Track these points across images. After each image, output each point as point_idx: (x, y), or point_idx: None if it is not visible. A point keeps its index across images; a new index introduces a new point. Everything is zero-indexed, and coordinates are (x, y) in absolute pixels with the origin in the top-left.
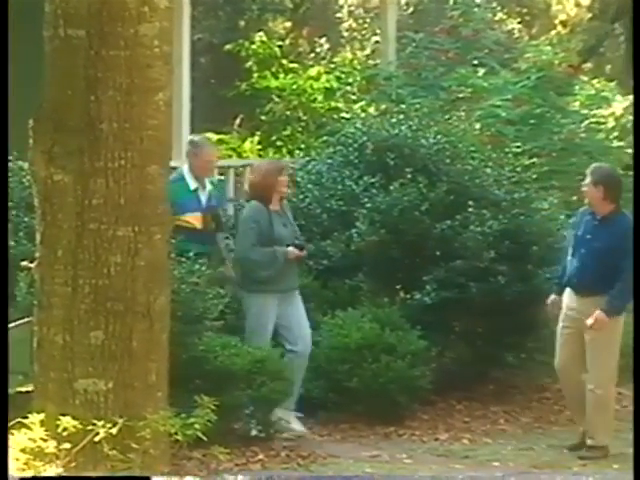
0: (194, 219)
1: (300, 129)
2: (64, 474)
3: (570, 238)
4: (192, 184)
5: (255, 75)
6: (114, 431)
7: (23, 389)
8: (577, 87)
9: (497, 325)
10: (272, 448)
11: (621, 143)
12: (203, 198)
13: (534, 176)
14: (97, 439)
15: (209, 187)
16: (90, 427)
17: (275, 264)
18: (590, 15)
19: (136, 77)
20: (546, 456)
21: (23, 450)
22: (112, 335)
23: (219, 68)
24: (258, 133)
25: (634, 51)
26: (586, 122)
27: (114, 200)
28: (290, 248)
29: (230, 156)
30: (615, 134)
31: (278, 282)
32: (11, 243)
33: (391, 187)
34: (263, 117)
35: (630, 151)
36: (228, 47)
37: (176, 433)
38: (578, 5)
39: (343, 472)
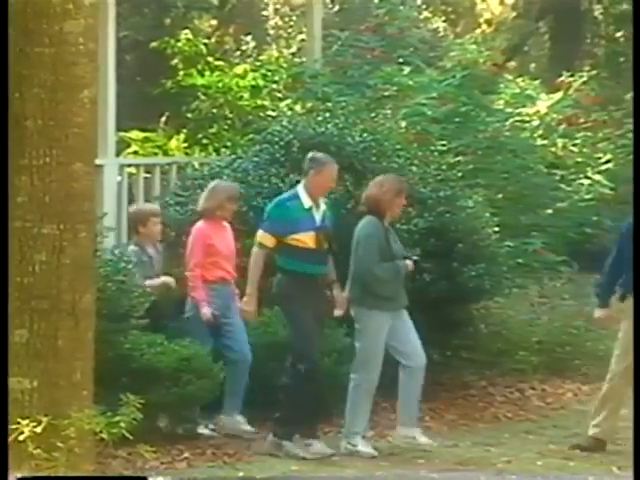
0: (308, 238)
1: (226, 127)
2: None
3: (625, 246)
4: (307, 202)
5: (181, 73)
6: (39, 430)
7: None
8: (502, 85)
9: (422, 322)
10: (198, 446)
11: (545, 141)
12: (317, 217)
13: (459, 174)
14: (22, 438)
15: (323, 206)
16: (15, 426)
17: (397, 279)
18: (514, 14)
19: (61, 74)
20: (470, 453)
21: None
22: (37, 333)
23: (145, 66)
24: (184, 131)
25: (634, 51)
26: (511, 120)
27: (39, 198)
28: (408, 262)
29: (156, 154)
30: (539, 132)
31: (396, 298)
32: None
33: None
34: (189, 115)
35: (554, 149)
36: (154, 45)
37: (101, 431)
38: (502, 4)
39: (269, 470)
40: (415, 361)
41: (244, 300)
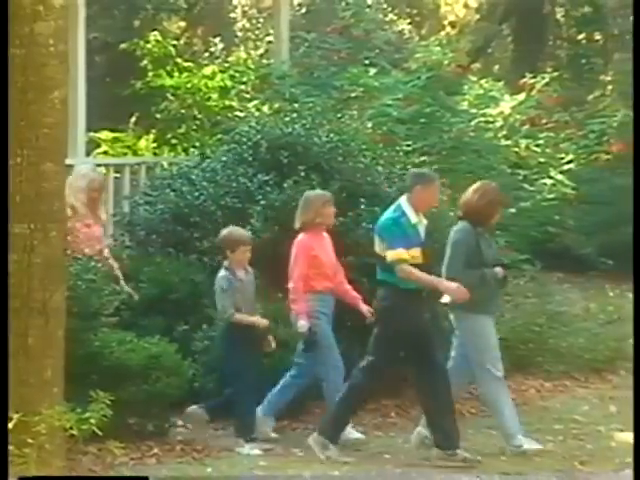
0: (417, 253)
1: (195, 127)
2: None
3: None
4: (413, 218)
5: (150, 74)
6: (10, 426)
7: None
8: (466, 87)
9: None
10: (167, 442)
11: (508, 142)
12: (422, 232)
13: None
14: None
15: (425, 221)
16: None
17: (484, 286)
18: (478, 16)
19: (31, 75)
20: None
21: None
22: (8, 331)
23: (114, 67)
24: (153, 131)
25: (634, 51)
26: (475, 121)
27: (10, 197)
28: (498, 269)
29: (125, 154)
30: (503, 133)
31: (491, 304)
32: None
33: (285, 185)
34: (158, 115)
35: (517, 150)
36: (123, 46)
37: (71, 428)
38: (466, 7)
39: (236, 465)
40: (501, 371)
41: (453, 287)
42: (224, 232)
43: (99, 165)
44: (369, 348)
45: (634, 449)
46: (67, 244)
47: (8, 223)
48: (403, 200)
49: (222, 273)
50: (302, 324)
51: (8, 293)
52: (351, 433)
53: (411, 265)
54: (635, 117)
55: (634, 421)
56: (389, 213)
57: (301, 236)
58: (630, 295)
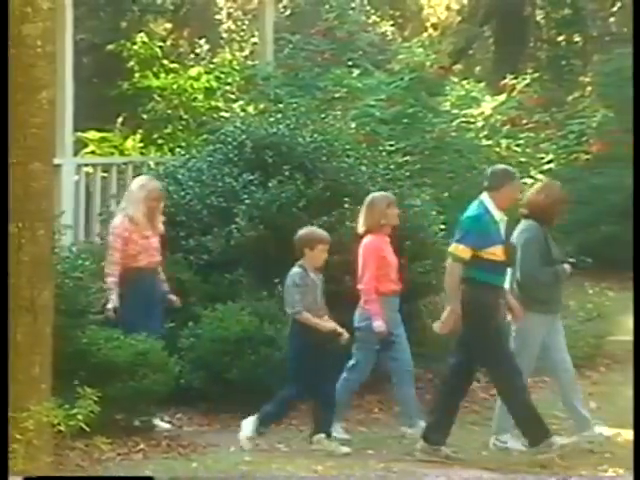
0: (499, 251)
1: (181, 127)
2: None
3: None
4: (497, 215)
5: (137, 75)
6: None
7: None
8: (448, 88)
9: None
10: (153, 438)
11: (490, 142)
12: (503, 229)
13: (407, 174)
14: None
15: (505, 218)
16: None
17: (557, 283)
18: (460, 18)
19: (20, 76)
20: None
21: None
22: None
23: (102, 68)
24: (140, 131)
25: (634, 51)
26: (456, 121)
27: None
28: (566, 266)
29: (112, 154)
30: (484, 133)
31: (554, 302)
32: None
33: (269, 184)
34: (145, 116)
35: (498, 150)
36: (110, 47)
37: (59, 424)
38: (448, 9)
39: (222, 461)
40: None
41: (445, 315)
42: (304, 231)
43: (86, 165)
44: (459, 348)
45: (634, 449)
46: (127, 257)
47: (8, 223)
48: (486, 198)
49: (296, 269)
50: (379, 324)
51: (8, 293)
52: (338, 432)
53: (496, 262)
54: (635, 117)
55: (634, 421)
56: (472, 210)
57: (368, 238)
58: (610, 293)
